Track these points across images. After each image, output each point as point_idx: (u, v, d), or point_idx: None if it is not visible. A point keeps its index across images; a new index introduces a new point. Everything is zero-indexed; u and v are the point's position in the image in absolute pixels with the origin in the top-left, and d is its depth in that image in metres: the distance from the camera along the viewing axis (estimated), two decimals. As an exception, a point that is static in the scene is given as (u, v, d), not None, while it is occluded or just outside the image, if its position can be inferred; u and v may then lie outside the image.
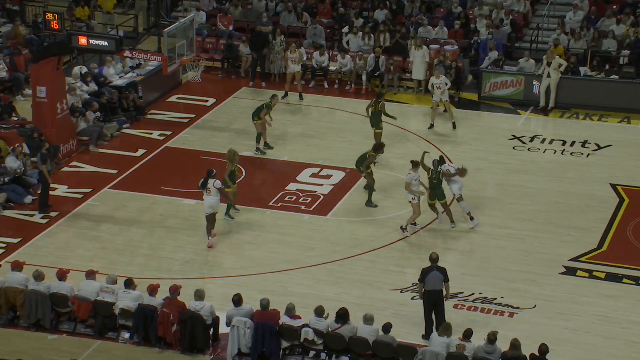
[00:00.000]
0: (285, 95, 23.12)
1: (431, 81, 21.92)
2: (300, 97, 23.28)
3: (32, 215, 17.89)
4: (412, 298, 15.35)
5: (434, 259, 14.31)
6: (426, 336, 13.96)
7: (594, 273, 16.17)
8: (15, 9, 26.46)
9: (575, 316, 14.98)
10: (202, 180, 16.63)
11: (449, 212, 17.47)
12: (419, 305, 15.05)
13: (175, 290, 13.99)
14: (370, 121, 20.32)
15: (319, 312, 13.61)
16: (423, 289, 14.14)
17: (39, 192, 18.31)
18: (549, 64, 22.67)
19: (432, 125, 21.80)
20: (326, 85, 24.36)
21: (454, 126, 21.76)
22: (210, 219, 16.69)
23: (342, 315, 13.53)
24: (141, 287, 14.32)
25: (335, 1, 26.64)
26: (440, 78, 21.59)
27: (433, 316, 14.18)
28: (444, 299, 14.18)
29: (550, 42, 24.10)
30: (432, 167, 17.37)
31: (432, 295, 14.10)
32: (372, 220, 17.84)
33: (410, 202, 17.20)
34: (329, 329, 13.54)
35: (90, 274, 14.47)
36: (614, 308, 15.20)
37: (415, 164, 17.20)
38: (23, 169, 18.78)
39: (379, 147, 18.59)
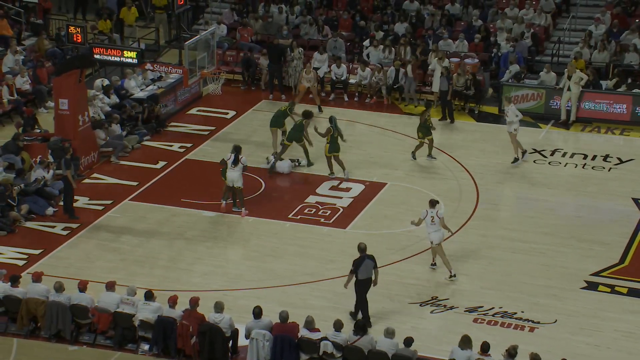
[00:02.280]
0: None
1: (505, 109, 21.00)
2: (320, 110, 23.32)
3: (53, 227, 18.00)
4: (431, 312, 15.28)
5: (362, 248, 14.74)
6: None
7: (616, 288, 16.01)
8: (39, 23, 26.75)
9: (597, 332, 14.83)
10: (232, 156, 17.96)
11: (330, 165, 19.53)
12: (440, 319, 15.00)
13: (195, 302, 14.01)
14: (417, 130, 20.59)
15: (338, 326, 13.58)
16: (355, 279, 14.58)
17: (61, 203, 18.46)
18: (569, 78, 22.57)
19: (515, 159, 20.34)
20: (346, 98, 24.37)
21: (517, 159, 20.43)
22: (228, 189, 18.13)
23: (362, 327, 13.50)
24: (161, 299, 14.35)
25: (356, 14, 26.70)
26: (509, 106, 20.31)
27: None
28: (373, 284, 14.71)
29: (572, 55, 24.01)
30: (330, 125, 19.36)
31: (366, 284, 14.61)
32: (391, 233, 17.79)
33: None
34: (348, 342, 13.50)
35: (111, 286, 14.52)
36: (637, 324, 15.03)
37: (432, 203, 16.05)
38: (50, 179, 18.93)
39: (309, 114, 20.13)
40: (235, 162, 17.95)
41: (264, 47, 25.27)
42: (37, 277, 14.74)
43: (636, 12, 25.88)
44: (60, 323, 14.36)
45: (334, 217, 18.39)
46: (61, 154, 18.94)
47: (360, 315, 14.72)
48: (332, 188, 19.60)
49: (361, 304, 14.70)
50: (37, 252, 17.09)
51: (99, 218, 18.37)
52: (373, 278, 14.70)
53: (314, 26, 26.20)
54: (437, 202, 16.46)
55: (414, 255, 17.04)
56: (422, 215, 16.09)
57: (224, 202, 18.34)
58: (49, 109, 22.71)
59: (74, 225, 18.00)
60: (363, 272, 14.56)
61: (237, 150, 18.08)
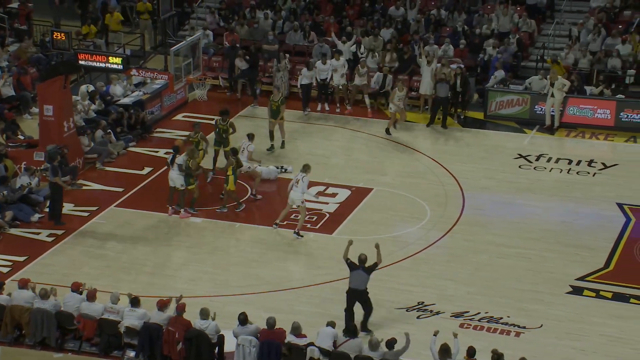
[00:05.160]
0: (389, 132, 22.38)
1: None
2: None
3: (38, 234, 17.90)
4: (417, 317, 15.29)
5: (362, 260, 14.63)
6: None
7: (601, 293, 16.08)
8: (23, 29, 26.61)
9: (583, 336, 14.89)
10: (171, 156, 18.46)
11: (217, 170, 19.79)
12: (426, 324, 15.02)
13: (181, 308, 13.97)
14: None
15: (295, 328, 13.60)
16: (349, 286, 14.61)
17: (46, 209, 18.35)
18: (552, 84, 22.69)
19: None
20: (327, 107, 24.18)
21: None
22: (171, 191, 18.44)
23: (352, 330, 13.51)
24: (146, 306, 14.28)
25: (342, 20, 26.74)
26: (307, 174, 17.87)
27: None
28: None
29: (548, 57, 24.11)
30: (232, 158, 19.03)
31: (355, 295, 14.52)
32: (378, 239, 17.75)
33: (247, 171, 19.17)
34: (335, 344, 13.48)
35: (91, 297, 14.36)
36: (623, 328, 15.09)
37: (251, 137, 19.52)
38: (35, 185, 18.81)
39: (224, 112, 20.22)
40: (172, 162, 18.29)
41: (243, 49, 25.07)
42: (23, 284, 14.64)
43: (619, 18, 26.07)
44: (45, 330, 14.26)
45: (321, 223, 18.38)
46: (50, 161, 18.84)
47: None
48: (319, 194, 19.59)
49: (347, 311, 14.62)
50: (21, 259, 16.98)
51: (84, 224, 18.28)
52: (363, 289, 14.50)
53: (298, 32, 26.19)
54: (251, 137, 19.50)
55: (400, 260, 17.05)
56: (243, 144, 19.38)
57: (170, 207, 18.51)
58: (34, 115, 22.59)
59: (59, 232, 17.90)
60: (353, 281, 14.53)
61: (175, 150, 18.47)
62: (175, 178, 18.37)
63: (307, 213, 17.86)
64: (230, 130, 20.23)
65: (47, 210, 18.40)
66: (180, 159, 18.35)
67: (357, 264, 14.61)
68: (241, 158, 19.06)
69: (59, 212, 18.12)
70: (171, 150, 18.86)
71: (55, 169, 17.94)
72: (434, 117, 22.98)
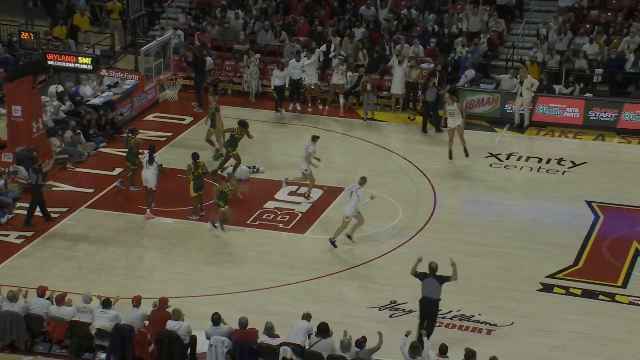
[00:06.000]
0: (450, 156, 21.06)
1: None
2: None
3: (7, 235, 17.71)
4: (390, 316, 15.34)
5: (433, 268, 14.41)
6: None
7: (571, 290, 16.25)
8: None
9: (554, 333, 15.02)
10: (147, 155, 18.38)
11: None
12: (397, 323, 15.09)
13: (164, 302, 13.96)
14: None
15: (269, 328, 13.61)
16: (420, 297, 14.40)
17: (15, 211, 18.14)
18: (521, 83, 22.89)
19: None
20: (298, 106, 24.21)
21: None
22: (149, 191, 18.24)
23: (323, 330, 13.52)
24: (118, 307, 14.19)
25: (313, 19, 26.75)
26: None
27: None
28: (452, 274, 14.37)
29: (527, 59, 24.34)
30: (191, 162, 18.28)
31: (428, 303, 14.32)
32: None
33: (304, 172, 18.76)
34: (308, 344, 13.50)
35: (60, 301, 14.23)
36: (592, 325, 15.26)
37: (314, 138, 18.94)
38: (2, 187, 18.62)
39: (243, 124, 19.80)
40: (150, 161, 18.15)
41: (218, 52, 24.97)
42: (-10, 287, 14.50)
43: (587, 18, 26.35)
44: (14, 333, 14.12)
45: (293, 223, 18.38)
46: (30, 164, 18.66)
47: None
48: (291, 193, 19.59)
49: (428, 323, 14.33)
50: (-10, 261, 16.82)
51: (54, 226, 18.12)
52: (436, 298, 14.25)
53: (269, 32, 26.15)
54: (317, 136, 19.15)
55: (372, 260, 17.10)
56: (312, 150, 18.83)
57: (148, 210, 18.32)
58: (2, 116, 22.34)
59: (29, 234, 17.72)
60: (425, 289, 14.34)
61: (151, 149, 18.42)
62: (150, 178, 18.21)
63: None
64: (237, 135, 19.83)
65: (15, 212, 18.19)
66: (159, 158, 18.32)
67: (428, 272, 14.37)
68: (301, 162, 18.85)
69: (31, 215, 17.96)
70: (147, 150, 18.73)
71: (38, 172, 17.79)
72: (426, 122, 22.89)
